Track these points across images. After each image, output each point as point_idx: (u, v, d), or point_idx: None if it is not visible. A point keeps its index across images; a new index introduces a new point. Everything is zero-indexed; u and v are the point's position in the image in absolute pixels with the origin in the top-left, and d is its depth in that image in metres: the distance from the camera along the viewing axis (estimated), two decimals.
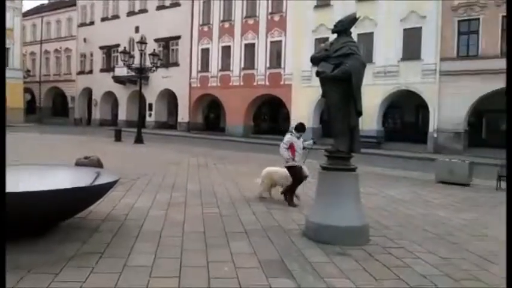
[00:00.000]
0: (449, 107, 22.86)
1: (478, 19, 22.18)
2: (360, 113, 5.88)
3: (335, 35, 6.11)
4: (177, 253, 4.99)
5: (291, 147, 7.86)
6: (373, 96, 25.13)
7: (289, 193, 8.05)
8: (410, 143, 24.94)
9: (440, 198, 9.95)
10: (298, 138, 7.99)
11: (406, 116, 29.52)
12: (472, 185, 12.18)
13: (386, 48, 25.02)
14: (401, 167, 16.28)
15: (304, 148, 8.04)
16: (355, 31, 25.07)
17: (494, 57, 21.47)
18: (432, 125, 23.93)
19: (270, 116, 36.30)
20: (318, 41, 24.76)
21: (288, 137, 7.95)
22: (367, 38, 25.68)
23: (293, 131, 8.09)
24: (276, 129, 33.72)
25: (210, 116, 38.77)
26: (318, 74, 5.95)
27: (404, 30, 24.57)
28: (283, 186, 8.22)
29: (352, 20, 6.00)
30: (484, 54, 21.93)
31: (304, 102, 27.53)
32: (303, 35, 27.92)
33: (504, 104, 22.29)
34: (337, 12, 22.78)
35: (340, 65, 5.74)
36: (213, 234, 5.84)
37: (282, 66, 30.26)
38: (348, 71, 5.67)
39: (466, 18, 22.58)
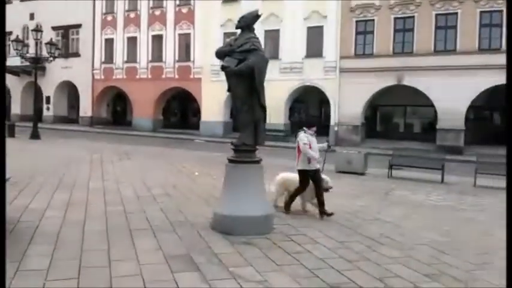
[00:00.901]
0: (348, 102, 24.49)
1: (373, 20, 24.01)
2: (263, 107, 6.08)
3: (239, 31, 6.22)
4: (76, 254, 4.75)
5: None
6: (279, 91, 26.01)
7: (289, 198, 7.24)
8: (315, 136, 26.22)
9: (338, 187, 10.59)
10: (312, 135, 7.09)
11: (311, 110, 30.99)
12: (367, 173, 13.23)
13: (292, 45, 25.96)
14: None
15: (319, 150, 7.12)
16: (262, 27, 25.67)
17: (387, 56, 23.47)
18: (333, 118, 25.45)
19: (180, 110, 35.75)
20: (227, 35, 24.87)
21: (303, 135, 7.02)
22: (274, 35, 26.45)
23: (305, 128, 7.17)
24: (186, 124, 33.39)
25: (117, 110, 37.07)
26: (222, 68, 6.03)
27: (308, 28, 25.70)
28: (302, 196, 7.25)
29: (254, 17, 6.15)
30: (378, 53, 23.82)
31: (214, 96, 27.54)
32: (211, 29, 27.86)
33: (396, 99, 24.34)
34: (244, 8, 22.71)
35: (244, 60, 5.87)
36: (116, 233, 5.65)
37: (192, 59, 29.93)
38: (251, 66, 5.82)
39: (362, 19, 24.30)
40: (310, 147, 6.86)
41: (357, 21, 24.40)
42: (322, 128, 27.21)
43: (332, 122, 25.59)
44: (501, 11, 21.02)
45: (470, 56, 21.43)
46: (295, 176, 7.31)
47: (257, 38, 6.04)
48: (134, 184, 9.38)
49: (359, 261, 5.04)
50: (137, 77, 31.87)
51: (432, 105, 22.77)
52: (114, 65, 32.73)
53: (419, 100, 23.39)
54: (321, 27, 25.33)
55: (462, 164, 15.48)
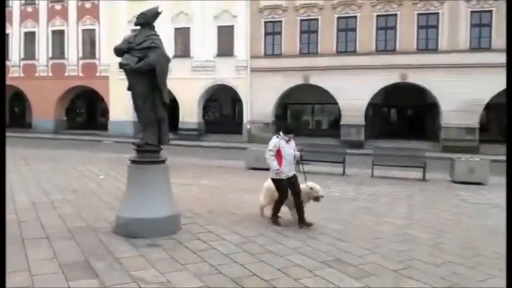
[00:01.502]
0: (259, 100, 25.09)
1: (281, 21, 24.82)
2: (166, 105, 5.97)
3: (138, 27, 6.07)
4: None
5: (278, 154, 6.43)
6: (192, 90, 25.86)
7: (272, 210, 6.72)
8: (228, 134, 26.50)
9: (248, 183, 10.88)
10: (288, 142, 6.54)
11: (224, 109, 31.22)
12: None
13: (203, 44, 25.91)
14: (219, 157, 17.19)
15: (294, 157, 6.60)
16: (172, 25, 25.28)
17: (294, 56, 24.42)
18: (246, 117, 25.91)
19: (86, 109, 33.82)
20: (135, 32, 24.05)
21: (274, 141, 6.49)
22: (184, 33, 26.19)
23: (281, 133, 6.61)
24: (93, 124, 31.68)
25: (14, 111, 34.01)
26: (121, 66, 5.83)
27: (219, 27, 25.81)
28: (288, 204, 6.71)
29: (155, 14, 6.04)
30: (286, 53, 24.69)
31: (123, 94, 26.07)
32: (118, 25, 26.69)
33: (304, 98, 25.39)
34: (153, 5, 22.46)
35: (144, 57, 5.73)
36: (7, 243, 5.19)
37: (97, 56, 28.48)
38: (152, 64, 5.70)
39: (270, 20, 25.01)
40: (279, 153, 6.39)
41: (265, 22, 25.07)
42: (236, 126, 27.73)
43: (245, 120, 26.03)
44: (395, 15, 22.94)
45: (367, 56, 23.11)
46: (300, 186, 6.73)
47: (157, 36, 5.94)
48: (30, 190, 8.70)
49: (263, 254, 5.20)
50: (36, 75, 29.59)
51: (336, 103, 24.18)
52: (10, 62, 29.99)
53: (325, 98, 24.71)
54: (231, 27, 25.60)
55: (362, 157, 16.64)
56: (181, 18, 25.84)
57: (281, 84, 24.63)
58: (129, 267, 4.58)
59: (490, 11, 21.75)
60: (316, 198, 6.74)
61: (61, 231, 5.89)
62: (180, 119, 26.73)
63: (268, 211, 6.91)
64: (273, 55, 25.09)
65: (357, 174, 12.96)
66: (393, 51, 23.04)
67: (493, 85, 21.03)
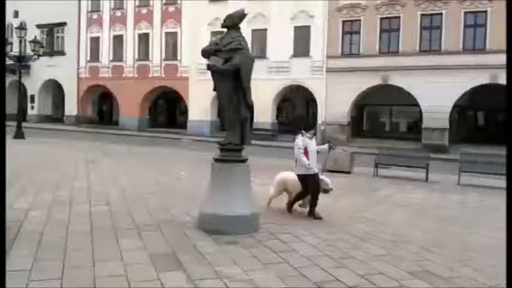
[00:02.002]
0: (335, 101, 24.66)
1: (360, 20, 24.19)
2: (249, 106, 6.07)
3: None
4: (60, 255, 4.69)
5: (304, 151, 6.72)
6: (266, 90, 26.08)
7: (293, 199, 7.15)
8: None
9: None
10: (311, 138, 6.89)
11: (298, 109, 31.14)
12: (353, 172, 13.33)
13: (279, 45, 26.04)
14: (292, 158, 17.10)
15: (318, 152, 6.94)
16: (249, 27, 25.74)
17: (373, 56, 23.67)
18: (320, 117, 25.60)
19: (167, 109, 35.56)
20: (214, 34, 24.83)
21: (300, 139, 6.79)
22: (261, 34, 26.50)
23: (303, 131, 6.90)
24: (173, 123, 33.23)
25: (103, 109, 36.73)
26: (209, 67, 6.01)
27: (295, 27, 25.79)
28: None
29: (240, 16, 6.15)
30: (364, 53, 24.01)
31: (201, 95, 27.44)
32: (198, 28, 27.76)
33: (382, 99, 24.60)
34: (232, 7, 22.56)
35: (230, 59, 5.87)
36: (101, 233, 5.60)
37: (178, 58, 29.81)
38: (238, 65, 5.82)
39: (349, 19, 24.48)
40: (306, 152, 6.71)
41: (343, 21, 24.59)
42: None
43: (319, 121, 25.72)
44: (485, 12, 21.36)
45: (454, 56, 21.73)
46: (294, 177, 7.12)
47: (243, 37, 6.04)
48: (120, 183, 9.32)
49: (344, 259, 5.07)
50: (123, 75, 31.65)
51: (417, 105, 23.04)
52: (100, 63, 32.45)
53: (405, 100, 23.66)
54: (307, 27, 25.46)
55: (447, 163, 15.66)
56: (258, 19, 26.17)
57: (358, 85, 24.00)
58: (214, 263, 4.70)
59: None
60: (325, 191, 7.10)
61: (148, 223, 6.21)
62: (255, 119, 27.07)
63: (276, 203, 7.43)
64: (351, 55, 24.54)
65: (441, 180, 12.23)
66: (482, 50, 21.44)
67: None
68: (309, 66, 25.52)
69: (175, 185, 9.62)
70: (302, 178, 6.84)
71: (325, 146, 7.18)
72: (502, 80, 20.84)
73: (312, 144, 6.81)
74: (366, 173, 13.13)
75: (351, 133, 25.72)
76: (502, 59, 20.68)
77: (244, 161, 6.22)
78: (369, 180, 12.06)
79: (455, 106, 22.64)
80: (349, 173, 13.16)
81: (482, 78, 21.20)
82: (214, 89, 6.20)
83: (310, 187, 6.82)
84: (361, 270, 4.72)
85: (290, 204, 7.17)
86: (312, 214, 6.90)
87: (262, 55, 26.46)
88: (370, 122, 29.24)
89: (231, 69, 5.81)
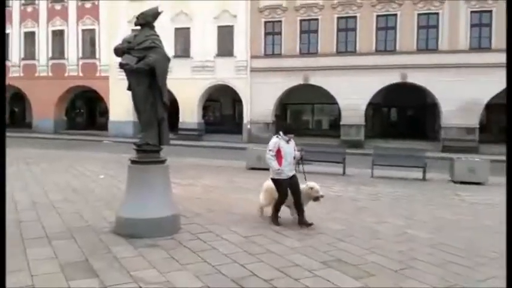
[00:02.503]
0: (259, 100, 25.09)
1: (281, 21, 24.81)
2: (166, 106, 5.98)
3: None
4: None
5: (277, 153, 6.42)
6: (192, 90, 25.87)
7: (272, 210, 6.72)
8: (228, 134, 26.51)
9: (249, 182, 10.89)
10: (288, 142, 6.50)
11: (224, 109, 31.24)
12: None
13: (203, 44, 25.90)
14: (219, 157, 17.19)
15: (294, 158, 6.54)
16: (172, 25, 25.26)
17: (294, 56, 24.43)
18: (246, 117, 25.91)
19: (86, 110, 33.83)
20: (135, 32, 24.08)
21: (273, 141, 6.47)
22: (184, 33, 26.20)
23: (280, 133, 6.54)
24: (93, 124, 31.71)
25: (14, 111, 34.04)
26: (121, 66, 5.84)
27: (219, 27, 25.81)
28: (288, 204, 6.71)
29: (154, 14, 6.04)
30: (286, 53, 24.69)
31: (123, 94, 26.22)
32: (118, 25, 26.70)
33: (304, 98, 25.40)
34: (152, 5, 22.47)
35: (144, 57, 5.74)
36: (7, 243, 5.20)
37: (97, 56, 28.48)
38: (152, 64, 5.71)
39: (270, 19, 25.00)
40: (279, 153, 6.37)
41: (265, 22, 25.06)
42: (236, 126, 27.76)
43: (245, 120, 26.03)
44: (395, 15, 22.94)
45: (367, 56, 23.10)
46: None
47: (157, 36, 5.94)
48: (31, 190, 8.71)
49: (262, 254, 5.20)
50: (36, 75, 29.58)
51: (336, 103, 24.18)
52: (10, 62, 30.00)
53: (325, 98, 24.72)
54: (231, 27, 25.60)
55: (362, 157, 16.62)
56: (181, 18, 25.86)
57: (281, 84, 24.63)
58: (129, 267, 4.59)
59: (490, 11, 21.74)
60: (316, 198, 6.69)
61: (61, 231, 5.89)
62: (180, 119, 26.74)
63: (268, 211, 6.90)
64: (273, 55, 25.09)
65: (357, 174, 12.97)
66: (393, 51, 23.05)
67: (492, 85, 21.03)
68: (233, 65, 25.68)
69: (92, 189, 9.20)
70: (274, 183, 6.54)
71: (298, 153, 6.59)
72: (411, 79, 22.60)
73: (288, 148, 6.41)
74: None
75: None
76: (410, 59, 22.49)
77: (162, 161, 6.12)
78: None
79: (370, 104, 24.08)
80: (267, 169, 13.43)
81: (393, 78, 22.79)
82: (129, 89, 6.03)
83: (282, 192, 6.46)
84: (278, 264, 4.87)
85: (274, 216, 6.63)
86: (302, 223, 6.46)
87: (186, 54, 26.19)
88: (294, 120, 30.11)
89: (146, 68, 5.69)
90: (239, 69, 25.55)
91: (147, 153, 6.01)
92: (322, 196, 6.71)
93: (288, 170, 6.45)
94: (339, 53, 23.80)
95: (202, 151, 20.55)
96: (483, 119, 23.46)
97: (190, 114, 26.71)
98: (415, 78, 22.46)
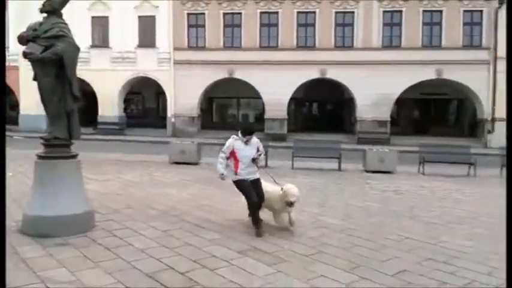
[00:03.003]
0: (184, 93, 24.76)
1: (204, 14, 24.62)
2: (76, 97, 5.70)
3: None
4: None
5: (233, 156, 5.89)
6: (112, 82, 24.84)
7: (250, 216, 6.09)
8: (152, 128, 25.88)
9: (171, 177, 10.76)
10: (246, 143, 5.88)
11: (147, 102, 30.40)
12: (201, 163, 13.64)
13: (123, 34, 24.92)
14: (142, 152, 16.73)
15: (254, 160, 5.88)
16: (88, 14, 23.94)
17: (218, 50, 24.40)
18: (170, 110, 25.44)
19: None
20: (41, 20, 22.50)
21: (228, 142, 5.89)
22: (102, 22, 25.04)
23: (239, 133, 5.93)
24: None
25: None
26: (25, 55, 5.46)
27: (140, 17, 24.98)
28: (278, 211, 6.12)
29: (63, 1, 5.71)
30: (210, 46, 24.59)
31: (35, 86, 24.58)
32: (28, 11, 24.68)
33: (230, 91, 25.44)
34: None
35: (51, 46, 5.42)
36: None
37: (7, 45, 26.15)
38: (60, 53, 5.41)
39: (193, 12, 24.71)
40: (235, 156, 5.86)
41: (188, 14, 24.73)
42: (160, 120, 27.16)
43: (169, 114, 25.57)
44: (314, 12, 23.81)
45: (289, 52, 23.77)
46: (270, 188, 6.15)
47: (65, 24, 5.63)
48: None
49: (180, 247, 5.19)
50: None
51: (260, 98, 24.61)
52: None
53: (251, 93, 25.04)
54: (153, 17, 24.94)
55: (285, 150, 17.13)
56: (98, 6, 24.64)
57: (206, 78, 24.51)
58: (36, 268, 4.36)
59: (401, 11, 23.36)
60: (290, 204, 5.87)
61: None
62: (100, 113, 25.58)
63: (263, 215, 6.17)
64: (197, 48, 24.86)
65: (279, 166, 13.34)
66: (313, 47, 23.94)
67: (403, 81, 22.74)
68: (155, 57, 25.05)
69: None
70: (235, 185, 6.00)
71: (256, 154, 5.93)
72: (330, 75, 23.65)
73: (246, 150, 5.82)
74: (214, 163, 13.51)
75: (200, 125, 26.16)
76: (328, 56, 23.51)
77: (73, 156, 5.84)
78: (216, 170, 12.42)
79: (292, 99, 24.84)
80: (197, 164, 13.42)
81: (313, 73, 23.70)
82: (35, 79, 5.66)
83: (246, 195, 5.90)
84: (195, 256, 4.90)
85: (254, 223, 5.91)
86: (257, 234, 5.78)
87: (105, 44, 25.07)
88: (220, 114, 30.18)
89: (53, 57, 5.38)
90: (162, 61, 24.99)
91: (56, 148, 5.70)
92: (294, 201, 5.87)
93: (245, 174, 5.85)
94: (262, 47, 24.20)
95: (124, 146, 19.85)
96: (394, 112, 25.26)
97: (110, 107, 25.64)
98: (334, 74, 23.54)
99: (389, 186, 10.39)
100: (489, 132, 22.65)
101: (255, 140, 5.99)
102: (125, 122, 26.67)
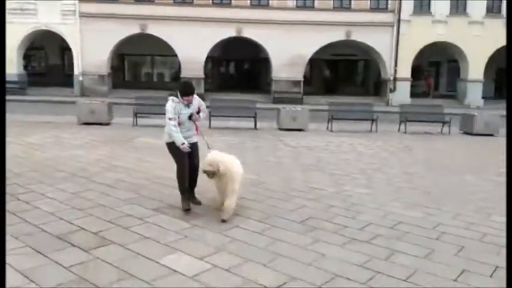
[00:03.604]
0: (92, 50, 23.16)
1: None
2: None
3: None
4: None
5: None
6: (9, 36, 22.30)
7: (179, 187, 5.23)
8: (57, 87, 24.06)
9: (80, 138, 10.26)
10: (187, 106, 5.06)
11: (51, 58, 28.07)
12: (113, 123, 13.12)
13: None
14: (47, 113, 15.57)
15: (190, 117, 5.14)
16: None
17: (129, 3, 23.03)
18: (77, 68, 23.77)
19: None
20: None
21: (171, 106, 4.97)
22: None
23: (179, 95, 5.01)
24: None
25: None
26: None
27: None
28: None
29: None
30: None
31: None
32: None
33: (143, 49, 24.34)
34: None
35: None
36: None
37: None
38: None
39: None
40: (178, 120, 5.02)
41: None
42: (65, 78, 25.29)
43: (76, 72, 23.92)
44: None
45: (205, 8, 23.18)
46: (231, 160, 5.12)
47: None
48: None
49: (92, 208, 5.09)
50: None
51: (176, 55, 23.92)
52: None
53: (166, 50, 24.17)
54: None
55: None
56: None
57: (116, 33, 23.08)
58: None
59: None
60: (207, 173, 4.89)
61: None
62: None
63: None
64: (106, 0, 23.14)
65: None
66: (229, 4, 23.57)
67: (315, 41, 23.47)
68: (59, 9, 22.93)
69: None
70: (168, 147, 5.23)
71: (194, 112, 5.21)
72: (246, 33, 23.59)
73: (187, 111, 5.11)
74: (125, 124, 13.11)
75: (111, 84, 24.87)
76: (245, 14, 23.35)
77: None
78: (127, 131, 12.09)
79: (209, 57, 24.49)
80: (108, 124, 12.89)
81: (229, 31, 23.46)
82: None
83: (177, 159, 5.17)
84: (108, 216, 4.85)
85: (183, 197, 5.20)
86: (192, 201, 5.30)
87: None
88: (132, 72, 28.88)
89: None
90: (66, 13, 22.99)
91: None
92: (207, 171, 4.87)
93: (185, 136, 5.08)
94: (176, 2, 23.29)
95: (26, 106, 18.29)
96: (307, 72, 26.15)
97: (8, 64, 23.18)
98: (250, 33, 23.52)
99: (300, 143, 10.93)
100: (391, 91, 24.48)
101: (196, 100, 5.22)
102: (26, 80, 24.43)
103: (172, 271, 3.56)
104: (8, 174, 6.40)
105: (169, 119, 4.99)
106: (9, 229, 4.31)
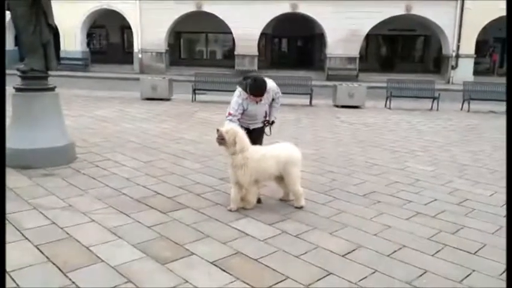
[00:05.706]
0: (151, 28, 23.86)
1: None
2: (51, 27, 5.55)
3: None
4: None
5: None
6: (73, 15, 23.56)
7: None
8: (117, 64, 25.11)
9: (144, 113, 10.77)
10: (258, 102, 4.48)
11: (112, 36, 29.22)
12: (173, 99, 13.60)
13: None
14: (109, 88, 16.40)
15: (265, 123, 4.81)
16: None
17: None
18: (137, 45, 24.60)
19: None
20: None
21: (236, 102, 4.38)
22: None
23: (247, 90, 4.30)
24: None
25: None
26: None
27: None
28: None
29: None
30: None
31: None
32: None
33: (197, 26, 24.64)
34: None
35: None
36: None
37: None
38: None
39: None
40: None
41: None
42: (126, 56, 26.30)
43: (136, 49, 24.77)
44: None
45: None
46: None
47: None
48: None
49: (164, 176, 5.43)
50: None
51: (231, 32, 24.08)
52: None
53: (220, 27, 24.40)
54: None
55: None
56: None
57: (173, 11, 23.57)
58: (26, 196, 4.49)
59: None
60: (219, 137, 4.22)
61: None
62: (62, 48, 24.46)
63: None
64: None
65: None
66: None
67: (373, 17, 22.68)
68: None
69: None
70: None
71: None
72: (301, 9, 23.23)
73: (257, 108, 4.54)
74: (185, 99, 13.54)
75: (168, 61, 25.56)
76: None
77: (51, 89, 5.79)
78: (188, 106, 12.51)
79: (263, 34, 24.44)
80: (169, 100, 13.38)
81: (284, 7, 23.21)
82: (9, 9, 5.43)
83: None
84: (180, 183, 5.16)
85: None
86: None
87: None
88: (188, 50, 29.48)
89: None
90: None
91: (34, 80, 5.62)
92: (221, 138, 4.18)
93: (247, 121, 4.59)
94: None
95: (90, 82, 19.32)
96: (363, 48, 25.44)
97: (73, 42, 24.55)
98: (305, 9, 23.13)
99: (357, 120, 10.83)
100: (453, 68, 23.34)
101: (269, 92, 4.50)
102: (89, 57, 25.68)
103: (244, 234, 3.78)
104: (83, 143, 6.95)
105: (231, 114, 4.36)
106: (92, 192, 4.74)
